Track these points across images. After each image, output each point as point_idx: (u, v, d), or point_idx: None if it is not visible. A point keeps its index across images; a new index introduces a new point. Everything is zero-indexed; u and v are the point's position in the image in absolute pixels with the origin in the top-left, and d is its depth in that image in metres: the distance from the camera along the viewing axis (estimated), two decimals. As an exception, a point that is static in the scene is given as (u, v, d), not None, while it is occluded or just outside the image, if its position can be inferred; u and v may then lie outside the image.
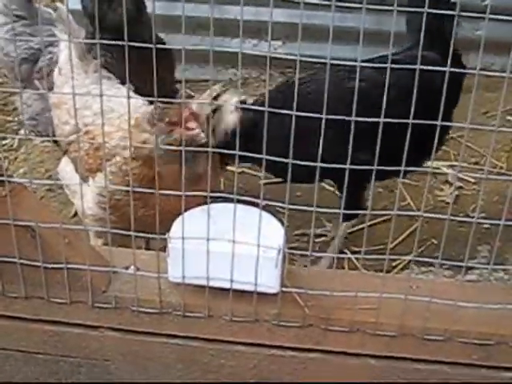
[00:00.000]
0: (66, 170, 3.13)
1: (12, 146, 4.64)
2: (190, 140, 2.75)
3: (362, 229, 3.77)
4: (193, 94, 5.05)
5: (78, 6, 3.90)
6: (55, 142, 3.93)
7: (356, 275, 2.38)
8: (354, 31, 4.87)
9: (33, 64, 3.97)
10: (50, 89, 3.35)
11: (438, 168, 4.31)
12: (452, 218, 2.00)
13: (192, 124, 2.82)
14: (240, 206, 2.20)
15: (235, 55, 1.82)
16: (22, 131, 4.80)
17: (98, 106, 2.97)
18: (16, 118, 4.91)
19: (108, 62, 3.48)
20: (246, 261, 2.12)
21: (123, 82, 3.08)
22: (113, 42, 1.83)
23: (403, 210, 2.09)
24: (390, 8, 1.65)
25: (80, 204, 3.06)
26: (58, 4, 3.93)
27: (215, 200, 2.10)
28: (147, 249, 3.40)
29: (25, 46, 3.99)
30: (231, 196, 2.14)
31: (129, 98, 1.95)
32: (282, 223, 2.29)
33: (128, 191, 2.10)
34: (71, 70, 2.48)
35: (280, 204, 2.02)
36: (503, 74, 1.77)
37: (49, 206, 3.69)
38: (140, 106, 3.02)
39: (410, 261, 3.51)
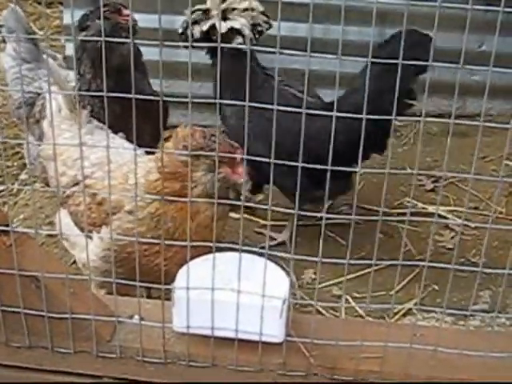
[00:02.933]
0: (65, 222, 3.11)
1: (12, 190, 4.64)
2: (228, 183, 2.76)
3: (363, 275, 3.77)
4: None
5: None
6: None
7: (360, 324, 2.37)
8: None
9: (30, 108, 4.04)
10: (41, 136, 3.39)
11: (442, 216, 4.32)
12: (457, 267, 2.01)
13: (240, 169, 2.80)
14: (244, 255, 2.21)
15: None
16: (22, 176, 4.81)
17: (95, 156, 3.03)
18: (15, 163, 4.92)
19: (95, 111, 3.53)
20: (250, 310, 2.13)
21: (114, 132, 3.09)
22: (122, 95, 1.84)
23: (404, 256, 2.09)
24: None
25: (82, 256, 3.04)
26: (44, 56, 3.99)
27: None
28: (148, 297, 3.39)
29: (25, 89, 4.07)
30: (236, 246, 2.15)
31: (135, 150, 1.95)
32: (287, 272, 2.30)
33: (143, 243, 2.09)
34: (75, 120, 2.49)
35: (284, 254, 2.03)
36: (507, 126, 1.79)
37: (52, 254, 3.68)
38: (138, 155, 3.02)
39: (412, 308, 3.52)
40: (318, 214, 1.90)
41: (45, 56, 3.91)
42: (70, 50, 5.18)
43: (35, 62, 4.21)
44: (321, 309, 3.51)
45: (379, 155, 3.84)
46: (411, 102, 3.78)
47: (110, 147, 1.97)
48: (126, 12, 3.79)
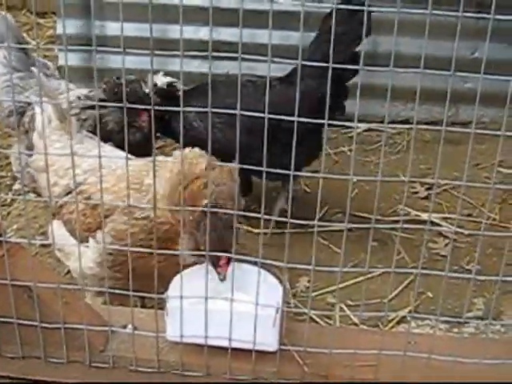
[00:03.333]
0: (59, 233, 3.10)
1: (5, 201, 4.63)
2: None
3: (357, 283, 3.77)
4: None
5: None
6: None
7: (354, 331, 2.37)
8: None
9: (20, 117, 4.05)
10: (30, 147, 3.39)
11: (435, 223, 4.32)
12: (450, 274, 2.01)
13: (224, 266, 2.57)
14: (238, 265, 2.21)
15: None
16: (15, 186, 4.80)
17: (87, 164, 3.03)
18: (9, 174, 4.91)
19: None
20: (244, 319, 2.12)
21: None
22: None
23: (398, 264, 2.09)
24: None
25: (76, 266, 3.03)
26: (33, 68, 3.98)
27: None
28: (142, 306, 3.38)
29: (15, 98, 4.04)
30: (230, 255, 2.15)
31: (127, 158, 1.95)
32: (280, 281, 2.30)
33: (140, 245, 2.09)
34: (65, 130, 2.49)
35: (278, 263, 2.03)
36: (497, 133, 1.79)
37: (45, 264, 3.67)
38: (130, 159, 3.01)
39: (406, 315, 3.51)
40: (311, 222, 1.90)
41: (34, 68, 3.90)
42: (62, 60, 5.19)
43: (26, 72, 4.21)
44: (315, 317, 3.50)
45: (341, 115, 3.97)
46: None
47: (101, 156, 1.98)
48: (144, 117, 4.08)
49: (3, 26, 4.17)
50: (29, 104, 4.01)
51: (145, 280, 2.24)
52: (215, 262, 2.40)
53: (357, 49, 3.97)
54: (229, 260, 2.37)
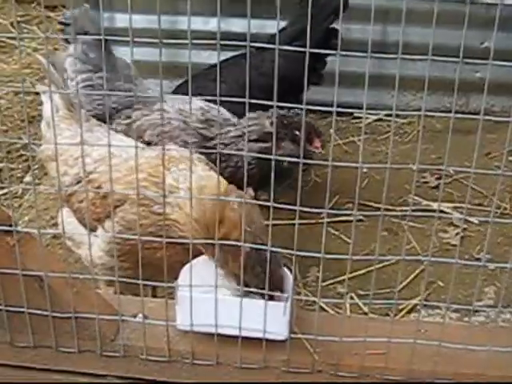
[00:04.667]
0: (69, 221, 3.10)
1: (16, 193, 4.65)
2: None
3: (367, 272, 3.76)
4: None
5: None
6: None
7: (364, 320, 2.36)
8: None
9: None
10: None
11: (443, 211, 4.31)
12: (459, 261, 2.00)
13: None
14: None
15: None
16: (26, 178, 4.82)
17: (97, 153, 3.03)
18: (20, 166, 4.93)
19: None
20: (254, 308, 2.13)
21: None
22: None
23: (408, 254, 2.09)
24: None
25: (87, 254, 3.04)
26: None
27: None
28: (154, 295, 3.39)
29: (99, 101, 3.73)
30: (239, 244, 2.15)
31: (136, 146, 1.96)
32: (290, 270, 2.30)
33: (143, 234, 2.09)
34: (74, 119, 2.49)
35: (287, 251, 2.03)
36: (508, 119, 1.78)
37: (56, 254, 3.69)
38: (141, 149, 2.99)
39: (416, 304, 3.51)
40: (321, 210, 1.90)
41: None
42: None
43: (111, 72, 3.76)
44: (325, 306, 3.50)
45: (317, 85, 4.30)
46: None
47: (111, 145, 1.98)
48: (317, 143, 3.73)
49: (85, 19, 3.84)
50: (116, 111, 3.68)
51: (152, 271, 2.24)
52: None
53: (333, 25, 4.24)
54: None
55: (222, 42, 1.68)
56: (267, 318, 2.13)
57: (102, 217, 2.93)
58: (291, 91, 2.65)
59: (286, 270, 2.33)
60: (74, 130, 3.18)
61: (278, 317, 2.17)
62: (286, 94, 1.90)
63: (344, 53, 1.71)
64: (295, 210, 1.89)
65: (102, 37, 1.83)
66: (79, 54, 3.82)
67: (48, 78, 3.16)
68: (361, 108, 1.86)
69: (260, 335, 2.17)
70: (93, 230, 2.91)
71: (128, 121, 3.62)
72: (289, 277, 2.30)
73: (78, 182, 3.05)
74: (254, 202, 2.44)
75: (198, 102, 3.56)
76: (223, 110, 3.53)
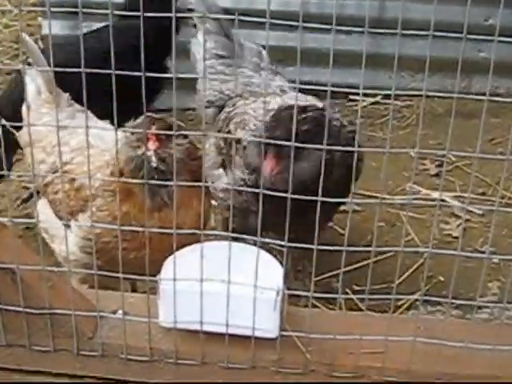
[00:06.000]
0: (45, 212, 3.10)
1: (-11, 181, 4.62)
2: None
3: (363, 266, 3.77)
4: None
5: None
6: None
7: (360, 317, 2.37)
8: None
9: (218, 111, 3.73)
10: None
11: (444, 200, 4.31)
12: (461, 254, 2.01)
13: (151, 143, 2.78)
14: (235, 244, 2.21)
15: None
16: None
17: (75, 141, 3.02)
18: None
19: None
20: (242, 303, 2.13)
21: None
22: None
23: (407, 246, 2.09)
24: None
25: (61, 249, 3.03)
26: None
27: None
28: (133, 290, 3.39)
29: (216, 87, 3.80)
30: (225, 233, 2.15)
31: (116, 130, 1.95)
32: (281, 262, 2.30)
33: (117, 235, 2.09)
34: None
35: (278, 242, 2.03)
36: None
37: (29, 245, 3.67)
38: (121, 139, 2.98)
39: (416, 300, 3.51)
40: (314, 198, 1.89)
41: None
42: (46, 29, 5.16)
43: (234, 58, 3.85)
44: (318, 303, 3.50)
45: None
46: None
47: (89, 129, 1.97)
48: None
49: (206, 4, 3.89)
50: (230, 98, 3.71)
51: (129, 270, 2.24)
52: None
53: None
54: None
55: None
56: (256, 314, 2.13)
57: (76, 210, 2.93)
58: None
59: (276, 262, 2.33)
60: (54, 114, 3.16)
61: (268, 312, 2.17)
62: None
63: (339, 28, 1.71)
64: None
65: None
66: (214, 27, 3.91)
67: (32, 57, 3.15)
68: (357, 89, 1.86)
69: (248, 332, 2.17)
70: (67, 223, 2.91)
71: (231, 109, 3.62)
72: (279, 270, 2.30)
73: (55, 172, 3.04)
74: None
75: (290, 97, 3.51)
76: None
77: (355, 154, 1.92)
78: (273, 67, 3.88)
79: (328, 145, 1.85)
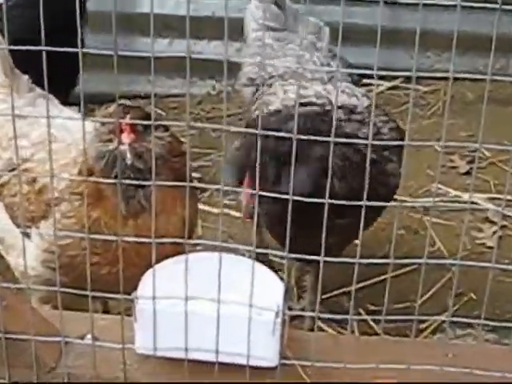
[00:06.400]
0: (1, 217, 3.10)
1: None
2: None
3: (379, 282, 3.78)
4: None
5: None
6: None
7: (375, 341, 2.38)
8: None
9: (255, 91, 3.84)
10: None
11: (476, 203, 4.32)
12: (497, 266, 2.01)
13: (126, 136, 2.73)
14: (226, 256, 2.21)
15: (215, 63, 1.84)
16: None
17: (36, 134, 3.02)
18: None
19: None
20: (235, 326, 2.13)
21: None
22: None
23: (432, 257, 2.10)
24: None
25: (18, 262, 3.03)
26: None
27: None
28: (105, 311, 3.39)
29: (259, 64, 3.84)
30: (214, 243, 2.16)
31: (83, 120, 1.95)
32: (281, 277, 2.31)
33: (86, 247, 2.10)
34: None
35: (278, 253, 2.04)
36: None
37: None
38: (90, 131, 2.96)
39: (443, 322, 3.52)
40: (321, 200, 1.90)
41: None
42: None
43: (285, 32, 3.95)
44: (325, 326, 3.52)
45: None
46: None
47: (53, 119, 1.97)
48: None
49: None
50: (271, 77, 3.72)
51: (100, 288, 2.24)
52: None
53: None
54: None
55: None
56: (252, 339, 2.13)
57: (36, 217, 2.92)
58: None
59: (276, 276, 2.34)
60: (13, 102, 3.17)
61: (266, 337, 2.17)
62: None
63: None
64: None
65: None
66: (253, 10, 4.03)
67: None
68: (371, 71, 1.87)
69: (243, 361, 2.18)
70: (26, 232, 2.90)
71: (264, 89, 3.66)
72: (280, 286, 2.31)
73: (12, 170, 3.04)
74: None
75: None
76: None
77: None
78: (332, 48, 3.87)
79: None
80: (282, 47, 3.82)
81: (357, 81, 3.51)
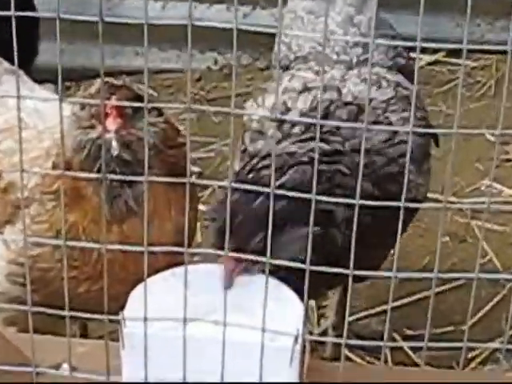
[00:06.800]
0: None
1: None
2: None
3: (419, 301, 3.78)
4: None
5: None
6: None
7: (413, 374, 2.39)
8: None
9: (282, 72, 3.72)
10: None
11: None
12: None
13: (111, 122, 2.68)
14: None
15: (217, 32, 1.84)
16: None
17: (2, 119, 3.01)
18: None
19: None
20: (244, 354, 2.14)
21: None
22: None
23: (484, 271, 2.09)
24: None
25: None
26: None
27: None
28: (84, 335, 3.40)
29: (286, 40, 3.81)
30: (217, 252, 2.16)
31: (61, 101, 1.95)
32: (300, 297, 2.31)
33: (61, 259, 2.10)
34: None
35: (294, 265, 2.04)
36: None
37: None
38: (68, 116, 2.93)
39: (496, 350, 3.52)
40: (350, 201, 1.90)
41: None
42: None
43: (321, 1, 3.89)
44: (351, 354, 3.52)
45: None
46: None
47: (23, 101, 1.98)
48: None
49: None
50: (296, 58, 3.76)
51: (80, 304, 2.24)
52: None
53: None
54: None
55: None
56: (265, 369, 2.13)
57: (1, 221, 2.92)
58: None
59: (294, 295, 2.34)
60: None
61: (282, 367, 2.18)
62: None
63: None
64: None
65: None
66: None
67: None
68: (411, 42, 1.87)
69: (254, 396, 2.18)
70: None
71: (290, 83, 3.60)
72: (299, 306, 2.31)
73: None
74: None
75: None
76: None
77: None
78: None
79: None
80: (311, 21, 3.79)
81: (405, 56, 3.51)
